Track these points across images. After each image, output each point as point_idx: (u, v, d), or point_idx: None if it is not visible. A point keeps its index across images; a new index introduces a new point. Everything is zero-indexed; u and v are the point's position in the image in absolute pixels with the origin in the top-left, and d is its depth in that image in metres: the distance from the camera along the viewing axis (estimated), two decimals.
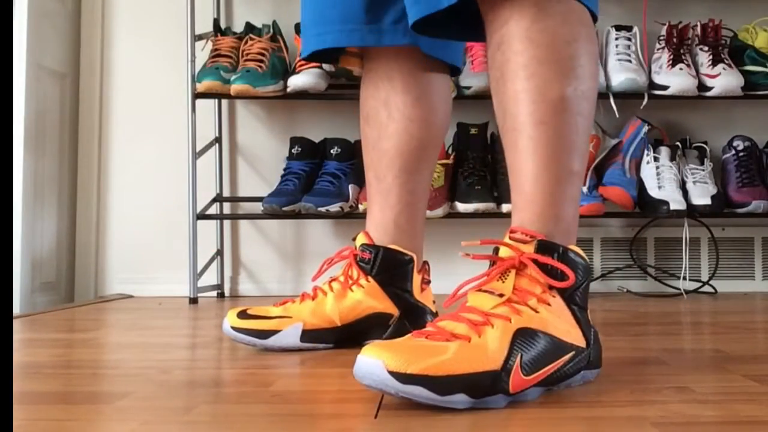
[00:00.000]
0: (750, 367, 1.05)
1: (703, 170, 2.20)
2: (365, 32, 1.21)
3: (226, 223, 2.40)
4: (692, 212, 2.13)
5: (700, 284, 2.31)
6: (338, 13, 1.22)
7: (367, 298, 1.23)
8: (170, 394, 0.92)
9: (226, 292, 2.39)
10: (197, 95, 2.17)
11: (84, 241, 2.41)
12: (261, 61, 2.17)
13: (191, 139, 2.18)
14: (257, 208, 2.20)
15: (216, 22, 2.34)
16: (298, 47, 2.07)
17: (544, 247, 0.89)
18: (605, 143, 2.23)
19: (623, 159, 2.18)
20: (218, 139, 2.39)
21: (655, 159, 2.17)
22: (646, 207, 2.14)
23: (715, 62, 2.15)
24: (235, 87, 2.10)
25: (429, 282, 1.29)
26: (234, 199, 2.42)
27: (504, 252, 0.90)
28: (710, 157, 2.23)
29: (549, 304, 0.88)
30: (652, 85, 2.17)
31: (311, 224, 2.39)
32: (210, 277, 2.31)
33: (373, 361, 0.78)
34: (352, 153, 2.19)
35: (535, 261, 0.88)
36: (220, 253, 2.37)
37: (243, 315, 1.21)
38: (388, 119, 1.27)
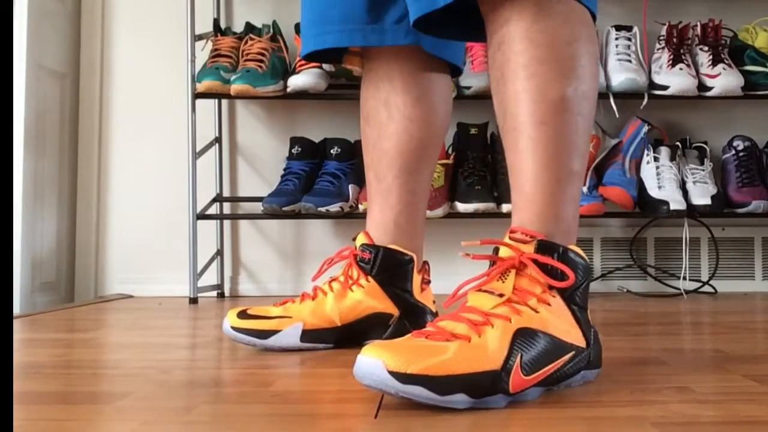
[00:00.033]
0: (750, 367, 1.05)
1: (703, 170, 2.20)
2: (367, 32, 1.21)
3: (226, 223, 2.40)
4: (692, 212, 2.13)
5: (700, 284, 2.31)
6: (339, 12, 1.22)
7: (367, 298, 1.23)
8: (170, 394, 0.92)
9: (226, 292, 2.39)
10: (197, 95, 2.18)
11: (84, 241, 2.41)
12: (261, 61, 2.17)
13: (191, 139, 2.18)
14: (257, 208, 2.20)
15: (216, 22, 2.34)
16: (298, 47, 2.07)
17: (544, 247, 0.89)
18: (605, 143, 2.23)
19: (623, 159, 2.18)
20: (218, 139, 2.39)
21: (655, 159, 2.17)
22: (646, 207, 2.14)
23: (715, 62, 2.15)
24: (235, 87, 2.10)
25: (429, 282, 1.29)
26: (234, 199, 2.42)
27: (504, 252, 0.90)
28: (710, 157, 2.23)
29: (549, 304, 0.88)
30: (652, 85, 2.18)
31: (311, 224, 2.39)
32: (210, 277, 2.31)
33: (373, 361, 0.78)
34: (352, 153, 2.19)
35: (535, 261, 0.88)
36: (220, 253, 2.37)
37: (243, 315, 1.21)
38: (389, 119, 1.27)
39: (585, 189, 2.07)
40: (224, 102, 2.41)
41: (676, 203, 2.07)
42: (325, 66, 2.12)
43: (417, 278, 1.26)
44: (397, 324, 1.23)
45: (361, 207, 2.12)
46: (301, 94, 2.16)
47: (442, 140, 1.36)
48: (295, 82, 2.11)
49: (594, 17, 0.99)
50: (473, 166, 2.16)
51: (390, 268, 1.24)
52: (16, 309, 2.07)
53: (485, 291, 0.88)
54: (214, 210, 2.37)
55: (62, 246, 2.36)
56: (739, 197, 2.15)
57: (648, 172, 2.17)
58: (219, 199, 2.38)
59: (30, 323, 1.67)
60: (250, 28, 2.32)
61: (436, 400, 0.78)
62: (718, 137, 2.34)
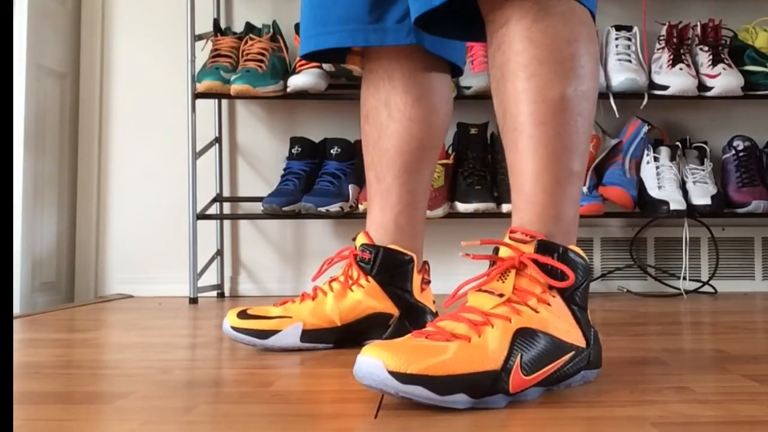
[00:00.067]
0: (750, 367, 1.05)
1: (703, 170, 2.20)
2: (368, 32, 1.21)
3: (226, 223, 2.40)
4: (692, 212, 2.13)
5: (700, 284, 2.31)
6: (341, 12, 1.22)
7: (367, 298, 1.23)
8: (170, 394, 0.92)
9: (226, 292, 2.39)
10: (197, 95, 2.18)
11: (84, 241, 2.41)
12: (261, 61, 2.17)
13: (191, 139, 2.18)
14: (257, 208, 2.20)
15: (216, 22, 2.34)
16: (299, 47, 2.07)
17: (544, 247, 0.89)
18: (605, 143, 2.23)
19: (623, 159, 2.18)
20: (218, 139, 2.39)
21: (655, 159, 2.17)
22: (646, 207, 2.14)
23: (715, 62, 2.15)
24: (235, 87, 2.10)
25: (429, 282, 1.29)
26: (234, 199, 2.42)
27: (504, 252, 0.90)
28: (710, 157, 2.23)
29: (549, 304, 0.88)
30: (652, 85, 2.18)
31: (311, 224, 2.39)
32: (210, 277, 2.31)
33: (373, 361, 0.78)
34: (352, 153, 2.19)
35: (535, 261, 0.88)
36: (220, 253, 2.37)
37: (243, 315, 1.21)
38: (389, 119, 1.27)
39: (585, 189, 2.07)
40: (224, 102, 2.41)
41: (676, 203, 2.07)
42: (325, 66, 2.12)
43: (417, 278, 1.26)
44: (397, 324, 1.23)
45: (361, 207, 2.12)
46: (301, 94, 2.16)
47: (443, 140, 1.36)
48: (295, 82, 2.11)
49: (594, 17, 0.99)
50: (473, 166, 2.16)
51: (390, 268, 1.24)
52: (16, 309, 2.07)
53: (485, 291, 0.88)
54: (214, 210, 2.37)
55: (62, 246, 2.36)
56: (739, 197, 2.15)
57: (648, 172, 2.17)
58: (219, 199, 2.38)
59: (30, 323, 1.67)
60: (250, 28, 2.32)
61: (436, 400, 0.78)
62: (718, 137, 2.34)
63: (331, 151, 2.20)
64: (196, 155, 2.20)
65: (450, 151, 2.23)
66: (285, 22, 2.32)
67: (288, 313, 1.21)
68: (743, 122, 2.38)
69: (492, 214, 2.12)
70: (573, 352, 0.88)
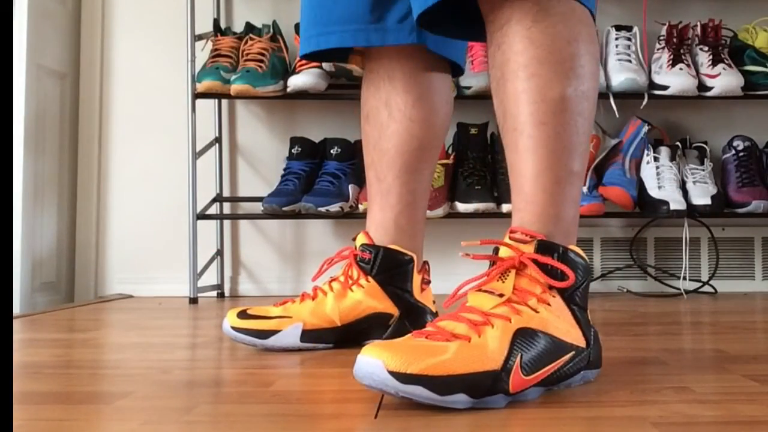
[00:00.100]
0: (750, 367, 1.05)
1: (703, 170, 2.20)
2: (370, 32, 1.21)
3: (226, 223, 2.40)
4: (692, 212, 2.13)
5: (700, 284, 2.31)
6: (342, 12, 1.21)
7: (367, 298, 1.23)
8: (170, 394, 0.92)
9: (226, 292, 2.39)
10: (197, 95, 2.18)
11: (84, 241, 2.41)
12: (261, 61, 2.17)
13: (191, 139, 2.18)
14: (257, 208, 2.20)
15: (216, 22, 2.34)
16: (299, 47, 2.07)
17: (544, 247, 0.89)
18: (605, 143, 2.23)
19: (623, 159, 2.18)
20: (218, 139, 2.39)
21: (655, 159, 2.17)
22: (646, 207, 2.14)
23: (715, 62, 2.15)
24: (235, 87, 2.10)
25: (429, 282, 1.29)
26: (234, 199, 2.42)
27: (504, 252, 0.90)
28: (710, 157, 2.24)
29: (549, 304, 0.88)
30: (652, 85, 2.18)
31: (311, 224, 2.39)
32: (210, 277, 2.31)
33: (373, 361, 0.78)
34: (352, 153, 2.19)
35: (535, 261, 0.88)
36: (220, 253, 2.37)
37: (243, 315, 1.21)
38: (389, 119, 1.27)
39: (585, 189, 2.07)
40: (224, 102, 2.41)
41: (676, 203, 2.07)
42: (325, 66, 2.12)
43: (417, 278, 1.26)
44: (397, 324, 1.23)
45: (361, 207, 2.12)
46: (301, 94, 2.16)
47: (443, 140, 1.36)
48: (295, 82, 2.11)
49: (594, 17, 0.99)
50: (473, 166, 2.16)
51: (390, 268, 1.24)
52: (16, 309, 2.07)
53: (485, 291, 0.88)
54: (214, 210, 2.37)
55: (62, 246, 2.36)
56: (739, 197, 2.15)
57: (648, 172, 2.17)
58: (219, 199, 2.38)
59: (30, 323, 1.67)
60: (250, 28, 2.32)
61: (436, 400, 0.78)
62: (718, 137, 2.34)
63: (331, 151, 2.20)
64: (196, 155, 2.20)
65: (450, 151, 2.23)
66: (285, 22, 2.32)
67: (288, 313, 1.21)
68: (743, 122, 2.38)
69: (492, 214, 2.12)
70: (573, 352, 0.88)
